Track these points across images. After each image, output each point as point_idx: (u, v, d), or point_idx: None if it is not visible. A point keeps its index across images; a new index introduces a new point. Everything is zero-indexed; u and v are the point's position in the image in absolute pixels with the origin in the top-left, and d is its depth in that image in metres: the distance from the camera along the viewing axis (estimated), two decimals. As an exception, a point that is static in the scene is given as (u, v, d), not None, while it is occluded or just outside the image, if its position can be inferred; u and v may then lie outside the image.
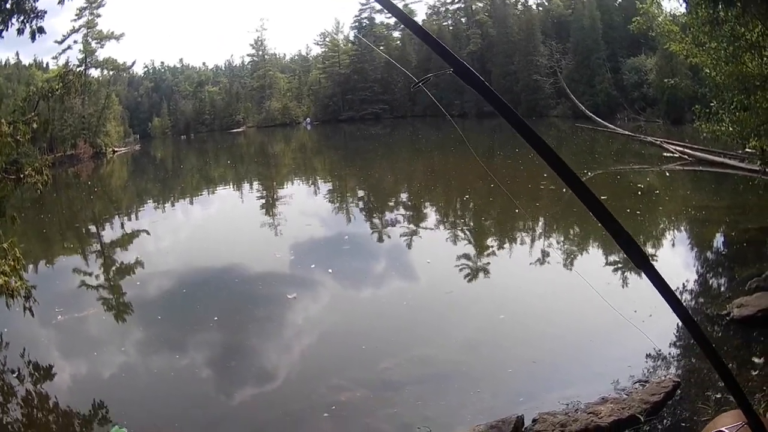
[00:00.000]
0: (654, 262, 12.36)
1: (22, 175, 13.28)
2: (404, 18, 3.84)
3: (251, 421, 10.73)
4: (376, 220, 28.02)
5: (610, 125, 57.21)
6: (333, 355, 13.12)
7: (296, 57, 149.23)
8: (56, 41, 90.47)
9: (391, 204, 32.36)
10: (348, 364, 12.39)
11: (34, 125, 13.78)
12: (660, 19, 23.21)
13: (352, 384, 11.35)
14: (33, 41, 14.52)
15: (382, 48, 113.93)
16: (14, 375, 12.84)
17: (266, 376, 12.58)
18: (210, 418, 10.71)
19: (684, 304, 12.85)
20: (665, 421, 8.97)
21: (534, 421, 9.17)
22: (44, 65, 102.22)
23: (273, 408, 11.04)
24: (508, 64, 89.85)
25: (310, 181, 46.35)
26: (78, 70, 76.17)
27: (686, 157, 34.17)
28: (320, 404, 10.71)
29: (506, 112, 3.21)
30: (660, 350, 11.25)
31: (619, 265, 17.29)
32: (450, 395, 10.62)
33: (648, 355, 11.14)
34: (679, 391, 9.59)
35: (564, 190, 27.00)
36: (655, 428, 8.78)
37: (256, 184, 47.96)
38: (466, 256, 19.77)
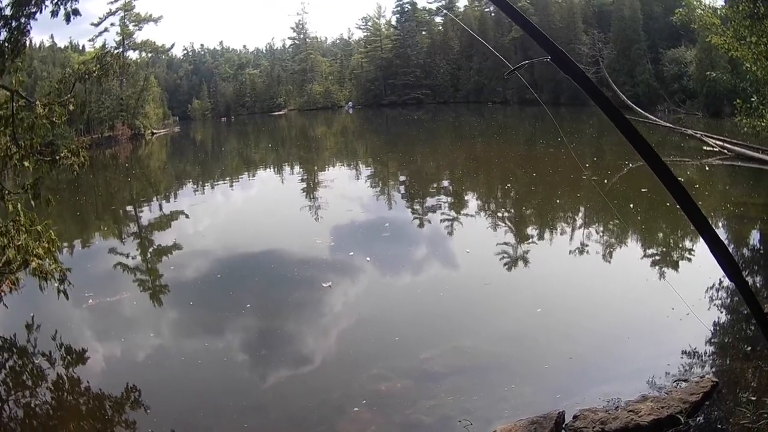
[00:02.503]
0: (693, 256, 11.91)
1: (57, 157, 13.06)
2: (504, 4, 3.48)
3: (287, 410, 10.70)
4: (417, 207, 27.87)
5: (650, 116, 56.50)
6: (371, 344, 13.12)
7: (338, 41, 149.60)
8: (92, 24, 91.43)
9: (433, 190, 32.15)
10: (387, 353, 12.35)
11: (71, 107, 13.65)
12: (700, 12, 22.79)
13: (391, 374, 11.30)
14: (68, 23, 14.40)
15: (423, 33, 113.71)
16: (45, 358, 12.78)
17: (302, 364, 12.60)
18: (244, 405, 10.73)
19: (722, 302, 12.51)
20: (702, 421, 8.87)
21: (575, 417, 9.14)
22: (80, 48, 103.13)
23: (309, 397, 10.95)
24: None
25: (352, 166, 46.27)
26: (116, 51, 76.78)
27: (726, 151, 33.71)
28: (359, 394, 10.69)
29: (602, 100, 2.79)
30: (696, 348, 11.17)
31: (657, 261, 17.19)
32: (490, 388, 10.61)
33: (684, 353, 11.08)
34: (716, 392, 9.47)
35: (606, 180, 26.63)
36: (693, 429, 8.69)
37: (297, 168, 48.05)
38: (505, 246, 19.72)
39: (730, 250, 17.16)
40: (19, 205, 12.16)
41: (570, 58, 2.74)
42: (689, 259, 16.97)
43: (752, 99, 18.25)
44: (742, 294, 2.91)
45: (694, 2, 23.53)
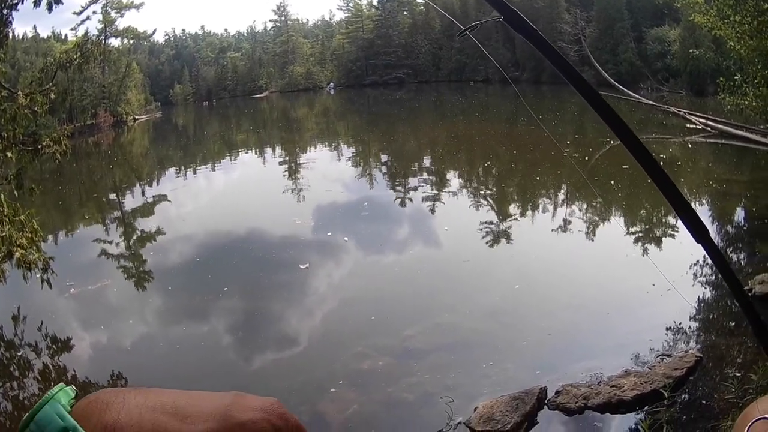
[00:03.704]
0: (675, 233, 12.08)
1: (40, 146, 13.12)
2: None
3: (268, 391, 10.49)
4: (397, 186, 27.86)
5: (633, 94, 56.44)
6: (351, 323, 13.11)
7: (319, 22, 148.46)
8: (74, 12, 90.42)
9: (414, 169, 32.18)
10: (367, 332, 12.37)
11: (52, 95, 13.69)
12: None
13: (372, 352, 11.32)
14: (50, 12, 14.40)
15: (405, 13, 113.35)
16: (30, 348, 12.84)
17: (282, 346, 12.65)
18: (226, 387, 10.59)
19: (707, 279, 12.66)
20: (686, 396, 8.92)
21: (557, 392, 9.15)
22: (63, 37, 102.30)
23: (290, 378, 11.00)
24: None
25: (333, 146, 46.25)
26: (97, 39, 76.23)
27: (709, 129, 33.61)
28: (341, 373, 10.73)
29: (560, 62, 2.88)
30: (680, 324, 11.16)
31: (638, 238, 17.21)
32: (471, 365, 10.60)
33: (668, 329, 11.08)
34: (700, 367, 9.51)
35: (586, 158, 26.77)
36: (677, 403, 8.71)
37: (278, 150, 47.80)
38: (485, 224, 19.65)
39: (714, 227, 17.37)
40: (2, 196, 12.08)
41: (523, 17, 2.83)
42: (672, 236, 16.84)
43: (735, 77, 18.31)
44: (711, 257, 3.06)
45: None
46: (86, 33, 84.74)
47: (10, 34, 14.18)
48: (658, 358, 10.00)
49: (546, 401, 9.05)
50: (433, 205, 23.43)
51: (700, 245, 3.01)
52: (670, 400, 8.55)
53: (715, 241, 12.27)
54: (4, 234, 11.91)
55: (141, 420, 0.81)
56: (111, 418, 0.79)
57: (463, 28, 3.58)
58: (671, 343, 10.65)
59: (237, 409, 0.89)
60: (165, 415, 0.84)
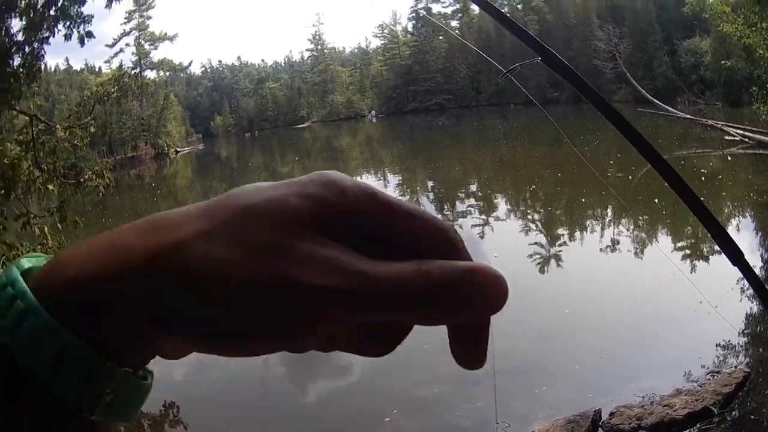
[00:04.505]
0: (718, 250, 11.95)
1: (82, 179, 13.23)
2: (488, 6, 3.60)
3: (324, 419, 10.82)
4: (446, 213, 27.81)
5: (670, 109, 56.22)
6: (405, 351, 12.68)
7: (356, 50, 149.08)
8: (107, 45, 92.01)
9: (460, 195, 32.19)
10: (421, 360, 12.19)
11: (92, 129, 13.78)
12: (711, 0, 22.83)
13: (427, 379, 11.30)
14: (82, 46, 14.66)
15: (441, 38, 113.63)
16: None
17: (337, 375, 12.62)
18: (282, 417, 10.97)
19: (753, 293, 12.48)
20: (735, 412, 8.95)
21: (611, 414, 9.23)
22: (96, 69, 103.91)
23: (346, 406, 11.15)
24: (566, 49, 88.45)
25: (379, 175, 46.37)
26: (133, 72, 77.18)
27: (747, 140, 33.27)
28: (396, 400, 10.82)
29: (596, 98, 2.89)
30: (728, 340, 11.19)
31: (683, 256, 17.19)
32: (526, 389, 10.70)
33: (717, 345, 11.11)
34: (749, 382, 9.55)
35: (630, 177, 26.61)
36: (727, 420, 8.76)
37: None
38: (533, 247, 19.76)
39: (757, 239, 17.20)
40: (46, 229, 12.26)
41: (559, 57, 2.85)
42: (718, 252, 16.60)
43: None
44: (748, 279, 3.05)
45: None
46: (120, 65, 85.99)
47: (43, 67, 14.36)
48: (708, 376, 10.07)
49: (600, 423, 9.12)
50: (482, 230, 23.53)
51: (735, 266, 2.98)
52: (720, 416, 8.66)
53: (760, 253, 12.28)
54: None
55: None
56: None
57: (504, 71, 3.64)
58: (720, 360, 10.71)
59: (237, 194, 0.59)
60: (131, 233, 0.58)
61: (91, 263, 0.55)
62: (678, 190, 2.89)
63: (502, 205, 28.83)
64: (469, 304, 0.55)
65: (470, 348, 0.62)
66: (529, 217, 25.70)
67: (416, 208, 0.59)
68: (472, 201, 29.96)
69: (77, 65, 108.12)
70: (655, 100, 62.74)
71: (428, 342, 13.06)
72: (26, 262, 0.58)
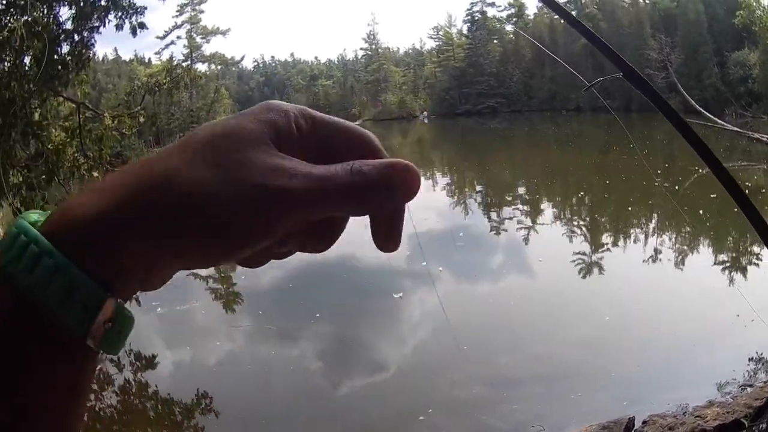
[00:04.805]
0: (759, 262, 11.85)
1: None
2: (570, 18, 3.60)
3: (359, 417, 10.72)
4: (492, 216, 27.84)
5: (718, 121, 55.43)
6: (444, 352, 13.03)
7: (410, 51, 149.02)
8: (158, 36, 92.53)
9: (508, 199, 32.08)
10: (459, 360, 12.28)
11: (141, 119, 13.89)
12: (759, 13, 22.63)
13: (465, 380, 11.31)
14: (134, 36, 14.84)
15: (495, 42, 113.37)
16: (113, 363, 13.00)
17: (374, 373, 12.64)
18: (316, 413, 10.85)
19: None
20: (764, 425, 8.68)
21: (644, 422, 9.15)
22: (146, 60, 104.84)
23: (382, 405, 11.08)
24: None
25: (428, 175, 46.27)
26: (185, 64, 77.87)
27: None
28: (433, 400, 10.68)
29: (673, 115, 2.83)
30: (762, 354, 10.96)
31: (724, 268, 17.04)
32: (562, 394, 10.57)
33: (751, 359, 10.91)
34: None
35: (677, 187, 26.37)
36: None
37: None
38: (577, 255, 19.48)
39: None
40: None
41: (640, 74, 2.81)
42: (756, 265, 16.62)
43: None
44: None
45: (753, 3, 23.36)
46: (171, 57, 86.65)
47: (92, 56, 14.52)
48: (741, 388, 9.92)
49: (633, 430, 9.04)
50: (527, 235, 23.35)
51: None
52: (750, 430, 8.49)
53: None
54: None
55: None
56: None
57: (588, 84, 3.64)
58: (753, 373, 10.55)
59: (202, 128, 0.72)
60: (122, 175, 0.69)
61: (92, 203, 0.64)
62: (739, 202, 2.87)
63: (548, 210, 28.66)
64: (390, 192, 0.74)
65: (389, 233, 0.81)
66: (576, 223, 25.52)
67: (342, 121, 0.80)
68: (520, 205, 29.82)
69: (126, 56, 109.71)
70: (704, 111, 62.19)
71: (466, 343, 13.05)
72: (33, 215, 0.67)
